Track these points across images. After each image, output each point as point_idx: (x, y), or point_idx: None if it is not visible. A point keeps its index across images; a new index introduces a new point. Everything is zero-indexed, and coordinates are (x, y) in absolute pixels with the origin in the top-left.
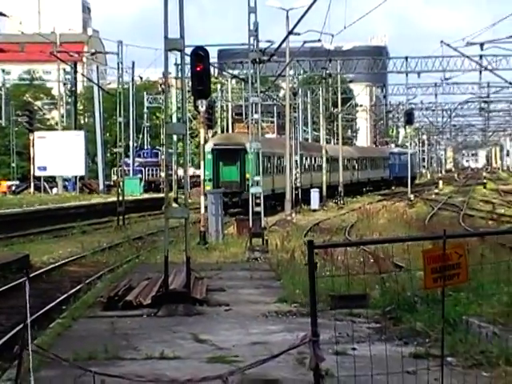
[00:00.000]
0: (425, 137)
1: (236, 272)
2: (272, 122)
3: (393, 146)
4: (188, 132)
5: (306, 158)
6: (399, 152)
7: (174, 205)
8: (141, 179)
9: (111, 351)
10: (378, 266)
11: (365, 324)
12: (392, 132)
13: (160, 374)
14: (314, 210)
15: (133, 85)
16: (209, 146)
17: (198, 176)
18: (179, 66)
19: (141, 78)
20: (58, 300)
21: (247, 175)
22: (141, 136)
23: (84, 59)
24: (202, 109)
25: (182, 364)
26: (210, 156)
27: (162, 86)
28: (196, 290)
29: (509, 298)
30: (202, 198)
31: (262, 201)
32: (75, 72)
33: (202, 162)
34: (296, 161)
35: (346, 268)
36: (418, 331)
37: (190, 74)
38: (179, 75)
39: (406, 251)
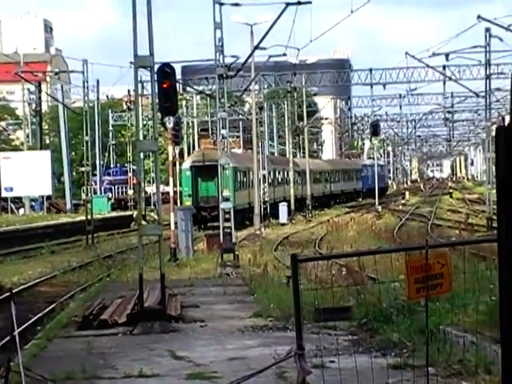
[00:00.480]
0: (390, 148)
1: (209, 288)
2: (238, 137)
3: (365, 157)
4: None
5: (275, 172)
6: (371, 164)
7: (143, 222)
8: (110, 198)
9: (89, 371)
10: (352, 278)
11: (341, 336)
12: (357, 144)
13: None
14: (283, 224)
15: (98, 103)
16: (187, 164)
17: (167, 193)
18: (143, 84)
19: (107, 97)
20: (31, 321)
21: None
22: (107, 154)
23: (48, 78)
24: (170, 125)
25: (161, 381)
26: (188, 173)
27: (128, 104)
28: (170, 306)
29: (485, 306)
30: (172, 214)
31: (233, 216)
32: (40, 91)
33: (170, 179)
34: (264, 175)
35: (318, 281)
36: (394, 342)
37: (156, 91)
38: (144, 92)
39: (377, 263)
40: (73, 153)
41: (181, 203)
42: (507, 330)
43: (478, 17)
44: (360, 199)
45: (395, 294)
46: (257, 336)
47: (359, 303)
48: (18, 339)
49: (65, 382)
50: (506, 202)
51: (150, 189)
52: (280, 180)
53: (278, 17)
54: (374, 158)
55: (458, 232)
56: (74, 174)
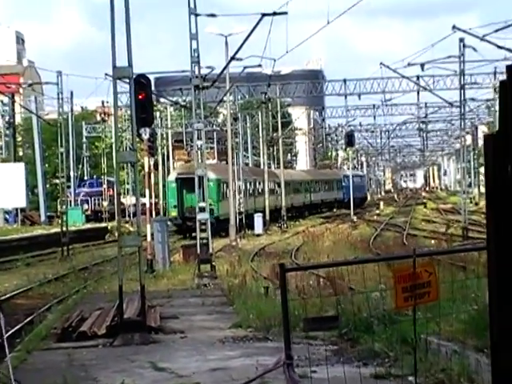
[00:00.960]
0: (363, 158)
1: (187, 299)
2: (212, 148)
3: (345, 168)
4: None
5: (254, 183)
6: (354, 174)
7: (116, 234)
8: (87, 209)
9: (71, 383)
10: (332, 287)
11: (322, 346)
12: (331, 154)
13: None
14: (258, 235)
15: (72, 115)
16: (172, 176)
17: (144, 204)
18: (116, 95)
19: (82, 108)
20: (9, 333)
21: (209, 201)
22: (80, 166)
23: (21, 90)
24: (146, 137)
25: None
26: (173, 185)
27: (101, 115)
28: (150, 318)
29: (466, 315)
30: (148, 226)
31: (209, 226)
32: (13, 103)
33: (146, 190)
34: (239, 186)
35: (299, 291)
36: (376, 352)
37: (129, 103)
38: (118, 103)
39: (355, 273)
40: (46, 165)
41: (166, 214)
42: (497, 338)
43: (453, 27)
44: (334, 210)
45: (375, 303)
46: (238, 347)
47: (339, 313)
48: (7, 346)
49: None
50: (495, 209)
51: (125, 200)
52: (260, 191)
53: (254, 27)
54: (348, 169)
55: (433, 242)
56: (47, 186)
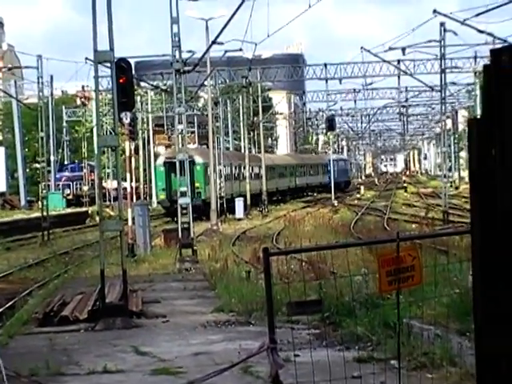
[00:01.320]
0: (344, 143)
1: (169, 283)
2: (193, 133)
3: (330, 152)
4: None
5: (236, 168)
6: (337, 158)
7: (97, 218)
8: (68, 194)
9: (53, 367)
10: (314, 272)
11: (304, 330)
12: (311, 139)
13: None
14: (239, 219)
15: (52, 99)
16: (161, 160)
17: (125, 189)
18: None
19: (62, 92)
20: None
21: (196, 184)
22: (60, 150)
23: (0, 74)
24: (127, 121)
25: (126, 377)
26: (162, 168)
27: (82, 100)
28: (132, 302)
29: (448, 299)
30: (129, 210)
31: (191, 211)
32: None
33: (127, 174)
34: (220, 170)
35: (281, 276)
36: (358, 336)
37: (110, 87)
38: (99, 88)
39: (336, 257)
40: (26, 149)
41: (147, 198)
42: (481, 323)
43: (434, 11)
44: (315, 194)
45: (358, 287)
46: (220, 331)
47: (321, 297)
48: None
49: (29, 379)
50: (479, 193)
51: (106, 184)
52: (245, 175)
53: (235, 11)
54: (329, 153)
55: (414, 226)
56: (27, 170)
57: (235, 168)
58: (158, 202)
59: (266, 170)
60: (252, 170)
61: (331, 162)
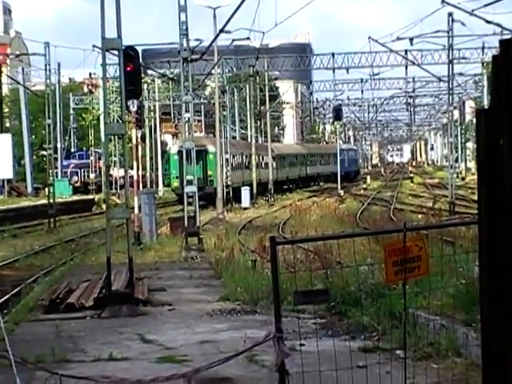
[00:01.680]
0: (351, 133)
1: (175, 271)
2: (199, 121)
3: (341, 142)
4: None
5: (247, 157)
6: (347, 148)
7: (103, 206)
8: (76, 181)
9: (58, 354)
10: (321, 261)
11: (310, 320)
12: (318, 128)
13: (112, 375)
14: (245, 208)
15: (59, 86)
16: (175, 148)
17: (131, 177)
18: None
19: (70, 80)
20: None
21: (209, 172)
22: (67, 138)
23: (8, 61)
24: (134, 109)
25: (131, 365)
26: (176, 157)
27: (89, 87)
28: (138, 290)
29: (454, 290)
30: (136, 198)
31: (197, 199)
32: (0, 74)
33: (134, 163)
34: (227, 159)
35: (288, 265)
36: (364, 325)
37: (118, 75)
38: (106, 75)
39: (342, 247)
40: (33, 136)
41: (152, 186)
42: (487, 317)
43: (442, 1)
44: (321, 184)
45: (364, 277)
46: (225, 319)
47: (327, 287)
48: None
49: (35, 366)
50: (487, 184)
51: (112, 172)
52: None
53: (243, 0)
54: (333, 142)
55: (420, 217)
56: (34, 157)
57: (243, 157)
58: (172, 190)
59: (277, 159)
60: (262, 158)
61: (338, 151)
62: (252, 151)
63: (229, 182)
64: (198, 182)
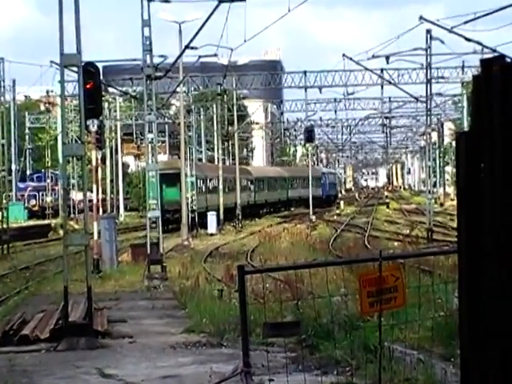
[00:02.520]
0: (323, 155)
1: (136, 302)
2: (163, 142)
3: (321, 166)
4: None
5: (211, 180)
6: (328, 172)
7: (60, 232)
8: (34, 205)
9: None
10: (291, 291)
11: (280, 353)
12: (289, 150)
13: None
14: (212, 234)
15: (14, 104)
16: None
17: (90, 200)
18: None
19: (25, 97)
20: None
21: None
22: (22, 159)
23: None
24: (93, 129)
25: None
26: (154, 180)
27: (46, 105)
28: (97, 321)
29: (432, 322)
30: (95, 223)
31: (160, 225)
32: None
33: (94, 186)
34: (192, 182)
35: (257, 296)
36: (337, 359)
37: (77, 92)
38: (65, 93)
39: (314, 276)
40: None
41: (113, 210)
42: (466, 348)
43: (420, 17)
44: (292, 208)
45: (337, 308)
46: (190, 353)
47: (298, 319)
48: None
49: None
50: (467, 208)
51: (71, 195)
52: (230, 188)
53: (210, 15)
54: (308, 165)
55: (396, 244)
56: None
57: (210, 180)
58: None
59: (254, 183)
60: (239, 182)
61: (310, 175)
62: (219, 174)
63: (194, 207)
64: (174, 205)
